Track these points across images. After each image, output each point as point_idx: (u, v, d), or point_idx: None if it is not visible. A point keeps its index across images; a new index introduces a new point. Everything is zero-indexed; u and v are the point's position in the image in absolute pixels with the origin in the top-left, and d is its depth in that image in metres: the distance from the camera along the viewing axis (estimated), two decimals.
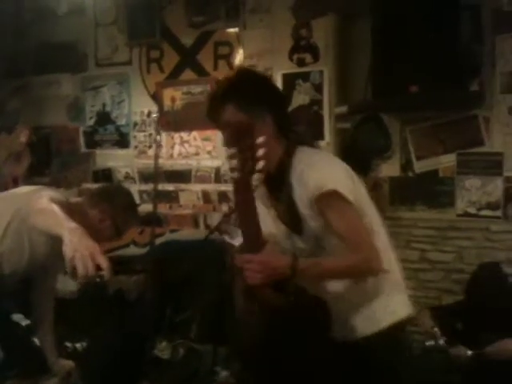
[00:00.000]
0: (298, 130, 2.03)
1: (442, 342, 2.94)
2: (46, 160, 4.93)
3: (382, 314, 1.88)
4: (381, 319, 1.87)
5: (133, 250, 4.39)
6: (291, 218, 1.86)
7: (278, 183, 1.85)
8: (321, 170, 1.79)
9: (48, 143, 4.96)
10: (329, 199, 1.75)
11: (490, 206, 3.53)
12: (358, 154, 3.76)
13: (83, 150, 4.85)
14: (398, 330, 1.90)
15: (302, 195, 1.80)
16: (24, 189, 2.54)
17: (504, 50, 3.41)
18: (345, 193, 1.74)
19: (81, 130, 4.84)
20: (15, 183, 4.67)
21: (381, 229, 1.92)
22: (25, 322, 3.19)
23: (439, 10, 3.11)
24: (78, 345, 3.26)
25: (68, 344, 3.23)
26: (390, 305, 1.90)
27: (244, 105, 1.79)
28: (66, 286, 2.61)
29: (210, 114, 1.86)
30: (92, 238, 1.88)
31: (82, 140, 4.85)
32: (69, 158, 4.86)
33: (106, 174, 4.61)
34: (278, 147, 1.86)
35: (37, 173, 4.87)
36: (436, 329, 3.02)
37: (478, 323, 2.89)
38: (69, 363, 2.79)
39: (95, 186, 4.45)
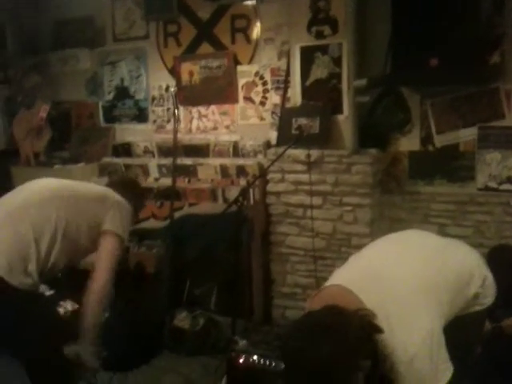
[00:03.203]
0: None
1: None
2: (66, 135, 4.98)
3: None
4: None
5: (152, 224, 4.43)
6: None
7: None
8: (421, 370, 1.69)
9: (68, 118, 5.01)
10: None
11: (511, 180, 3.51)
12: (377, 128, 3.74)
13: (102, 124, 4.90)
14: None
15: None
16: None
17: None
18: None
19: (100, 105, 4.89)
20: (36, 158, 4.73)
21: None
22: (48, 293, 3.26)
23: None
24: None
25: None
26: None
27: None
28: (90, 256, 2.66)
29: None
30: None
31: (101, 115, 4.90)
32: (88, 133, 4.90)
33: (125, 148, 4.64)
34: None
35: (57, 147, 4.93)
36: None
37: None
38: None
39: (115, 160, 4.51)
